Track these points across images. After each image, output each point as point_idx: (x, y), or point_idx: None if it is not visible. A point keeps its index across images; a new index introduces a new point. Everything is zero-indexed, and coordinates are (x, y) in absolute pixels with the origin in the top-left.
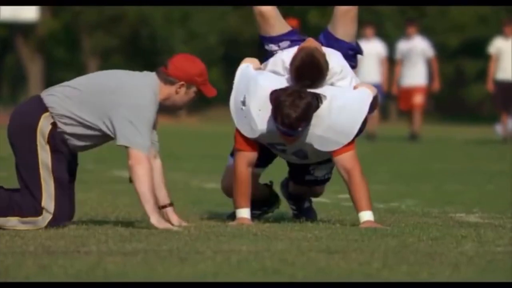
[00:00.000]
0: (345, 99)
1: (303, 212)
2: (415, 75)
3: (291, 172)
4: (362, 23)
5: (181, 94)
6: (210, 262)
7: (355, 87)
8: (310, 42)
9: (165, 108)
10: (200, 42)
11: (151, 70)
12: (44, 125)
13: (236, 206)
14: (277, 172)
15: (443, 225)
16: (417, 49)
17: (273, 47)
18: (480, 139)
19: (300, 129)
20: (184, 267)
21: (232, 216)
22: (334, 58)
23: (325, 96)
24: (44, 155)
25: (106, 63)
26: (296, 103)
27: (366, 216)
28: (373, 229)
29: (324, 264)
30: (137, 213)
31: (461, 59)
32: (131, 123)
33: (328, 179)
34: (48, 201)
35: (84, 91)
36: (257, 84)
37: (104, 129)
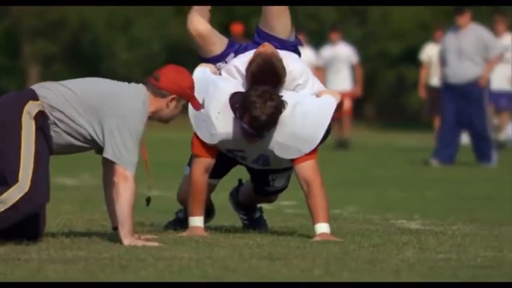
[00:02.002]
0: (308, 107)
1: (254, 222)
2: (340, 81)
3: (253, 182)
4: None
5: (171, 107)
6: (151, 270)
7: (318, 94)
8: (266, 47)
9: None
10: (142, 49)
11: (93, 76)
12: (31, 108)
13: (190, 214)
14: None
15: (384, 232)
16: (341, 55)
17: (220, 65)
18: (421, 146)
19: (266, 132)
20: (125, 275)
21: (172, 225)
22: (292, 62)
23: (286, 102)
24: (29, 127)
25: (48, 70)
26: (266, 105)
27: (322, 228)
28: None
29: (265, 271)
30: (78, 221)
31: (402, 66)
32: (121, 137)
33: (285, 188)
34: (24, 177)
35: (79, 94)
36: (217, 87)
37: (93, 134)
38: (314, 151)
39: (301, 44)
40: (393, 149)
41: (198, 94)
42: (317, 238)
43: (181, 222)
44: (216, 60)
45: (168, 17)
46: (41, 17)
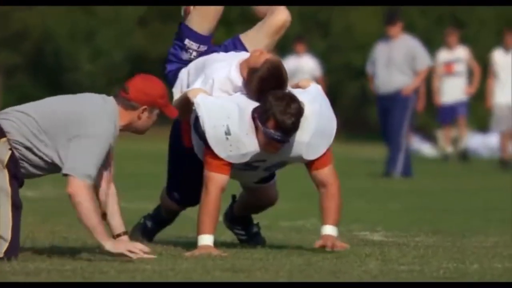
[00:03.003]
0: (318, 99)
1: (252, 237)
2: None
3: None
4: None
5: (143, 118)
6: (114, 282)
7: (301, 85)
8: (267, 53)
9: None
10: (105, 60)
11: (56, 87)
12: (2, 152)
13: (201, 231)
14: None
15: (347, 243)
16: (305, 68)
17: (193, 45)
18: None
19: (292, 135)
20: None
21: (138, 231)
22: None
23: (302, 102)
24: (2, 179)
25: (11, 81)
26: (291, 107)
27: (328, 230)
28: (278, 247)
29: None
30: (41, 233)
31: (365, 78)
32: (82, 154)
33: (274, 174)
34: (4, 228)
35: (40, 121)
36: (240, 109)
37: (57, 161)
38: (330, 154)
39: None
40: (357, 160)
41: (215, 122)
42: (319, 242)
43: (146, 231)
44: (195, 37)
45: (131, 28)
46: (3, 28)
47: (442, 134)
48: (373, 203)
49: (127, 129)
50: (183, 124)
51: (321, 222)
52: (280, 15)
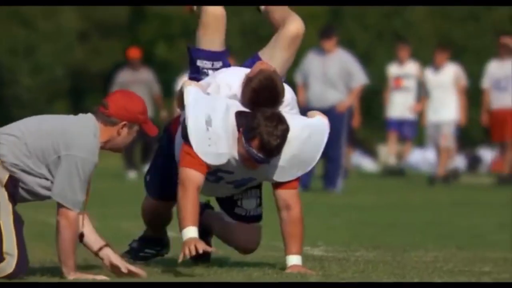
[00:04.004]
0: (313, 128)
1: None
2: None
3: (221, 206)
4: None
5: (123, 135)
6: None
7: (309, 115)
8: (266, 65)
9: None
10: (46, 75)
11: None
12: (0, 172)
13: (183, 225)
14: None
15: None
16: None
17: (206, 64)
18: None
19: (275, 157)
20: None
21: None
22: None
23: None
24: (2, 197)
25: None
26: (278, 129)
27: (294, 260)
28: (219, 263)
29: None
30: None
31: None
32: (69, 177)
33: (260, 215)
34: (9, 244)
35: (28, 141)
36: (227, 107)
37: (50, 179)
38: (298, 179)
39: None
40: None
41: (199, 112)
42: (288, 270)
43: (134, 252)
44: (207, 56)
45: (72, 43)
46: None
47: (387, 145)
48: (314, 218)
49: (106, 145)
50: (174, 123)
51: (285, 250)
52: (292, 26)
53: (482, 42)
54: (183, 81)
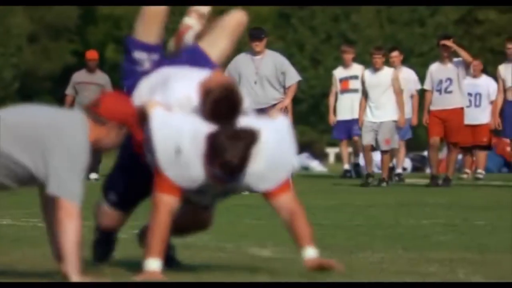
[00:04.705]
0: (279, 133)
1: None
2: None
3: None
4: None
5: (112, 135)
6: None
7: (272, 116)
8: (221, 75)
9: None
10: None
11: None
12: None
13: (148, 255)
14: None
15: (236, 260)
16: None
17: (143, 55)
18: None
19: (239, 176)
20: None
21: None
22: None
23: (258, 133)
24: None
25: None
26: (236, 147)
27: (311, 252)
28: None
29: None
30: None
31: None
32: (66, 171)
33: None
34: None
35: (13, 128)
36: (195, 129)
37: (34, 172)
38: (288, 183)
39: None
40: None
41: (166, 139)
42: (312, 266)
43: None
44: (144, 47)
45: (21, 45)
46: None
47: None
48: (262, 219)
49: (95, 145)
50: (135, 135)
51: (298, 246)
52: (236, 14)
53: (428, 46)
54: (147, 101)
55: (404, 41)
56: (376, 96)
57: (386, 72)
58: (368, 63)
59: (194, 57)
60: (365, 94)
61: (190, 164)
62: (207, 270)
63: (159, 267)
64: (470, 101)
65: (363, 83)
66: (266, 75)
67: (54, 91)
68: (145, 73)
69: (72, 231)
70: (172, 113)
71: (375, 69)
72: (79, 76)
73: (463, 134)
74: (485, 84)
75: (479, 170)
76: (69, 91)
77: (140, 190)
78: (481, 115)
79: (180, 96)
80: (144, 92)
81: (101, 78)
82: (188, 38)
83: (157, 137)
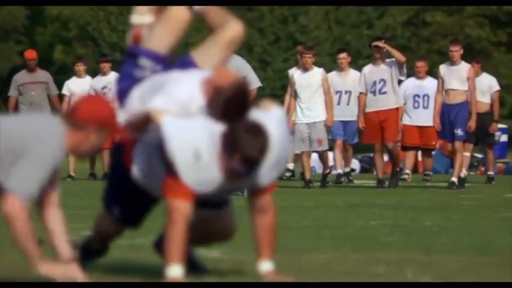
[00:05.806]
0: (282, 127)
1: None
2: None
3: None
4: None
5: (91, 140)
6: None
7: (263, 106)
8: (228, 72)
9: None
10: None
11: None
12: None
13: (170, 261)
14: None
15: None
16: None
17: (148, 63)
18: None
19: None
20: None
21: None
22: None
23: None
24: None
25: None
26: (256, 140)
27: (267, 266)
28: (115, 266)
29: None
30: None
31: None
32: (27, 172)
33: (228, 200)
34: None
35: None
36: (210, 132)
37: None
38: (274, 182)
39: None
40: None
41: (182, 145)
42: (264, 277)
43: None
44: (153, 57)
45: None
46: None
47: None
48: None
49: (73, 150)
50: (127, 145)
51: (258, 255)
52: (233, 28)
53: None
54: (150, 109)
55: (352, 43)
56: (307, 96)
57: (316, 72)
58: (319, 65)
59: (186, 68)
60: (294, 95)
61: (210, 166)
62: (155, 272)
63: (181, 273)
64: (418, 102)
65: (292, 84)
66: None
67: (1, 92)
68: (141, 79)
69: (22, 226)
70: (182, 119)
71: (305, 69)
72: (21, 77)
73: (408, 135)
74: (432, 86)
75: (427, 172)
76: (12, 93)
77: (144, 203)
78: (429, 117)
79: (182, 97)
80: (138, 96)
81: (43, 76)
82: (146, 34)
83: (173, 145)
